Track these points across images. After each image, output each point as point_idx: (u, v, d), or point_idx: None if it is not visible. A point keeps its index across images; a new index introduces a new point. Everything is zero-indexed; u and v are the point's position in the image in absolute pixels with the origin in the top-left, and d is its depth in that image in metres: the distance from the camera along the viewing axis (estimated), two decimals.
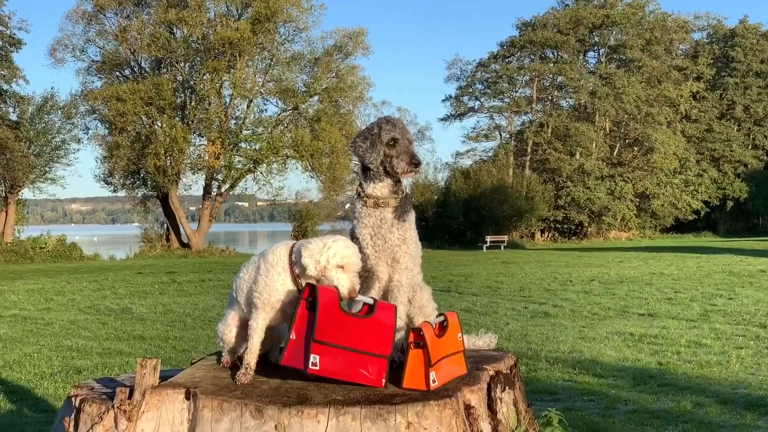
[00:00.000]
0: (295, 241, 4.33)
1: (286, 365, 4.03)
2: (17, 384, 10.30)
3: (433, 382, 4.09)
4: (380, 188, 4.54)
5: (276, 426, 3.72)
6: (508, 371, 4.65)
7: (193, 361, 4.79)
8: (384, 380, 4.09)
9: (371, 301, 4.18)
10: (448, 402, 3.89)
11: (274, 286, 4.19)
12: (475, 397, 4.16)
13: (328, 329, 3.98)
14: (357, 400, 3.86)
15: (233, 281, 4.54)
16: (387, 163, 4.49)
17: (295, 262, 4.18)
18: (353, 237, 4.63)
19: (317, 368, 3.94)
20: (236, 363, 4.43)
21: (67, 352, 12.93)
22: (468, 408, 4.08)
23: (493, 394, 4.38)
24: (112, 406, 3.96)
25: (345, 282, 4.08)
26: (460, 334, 4.48)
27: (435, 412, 3.83)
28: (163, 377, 4.15)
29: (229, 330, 4.52)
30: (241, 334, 4.45)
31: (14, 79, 54.32)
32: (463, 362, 4.44)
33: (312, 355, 3.92)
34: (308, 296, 4.03)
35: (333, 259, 4.08)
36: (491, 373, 4.47)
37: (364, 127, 4.70)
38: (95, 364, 11.56)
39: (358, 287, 4.14)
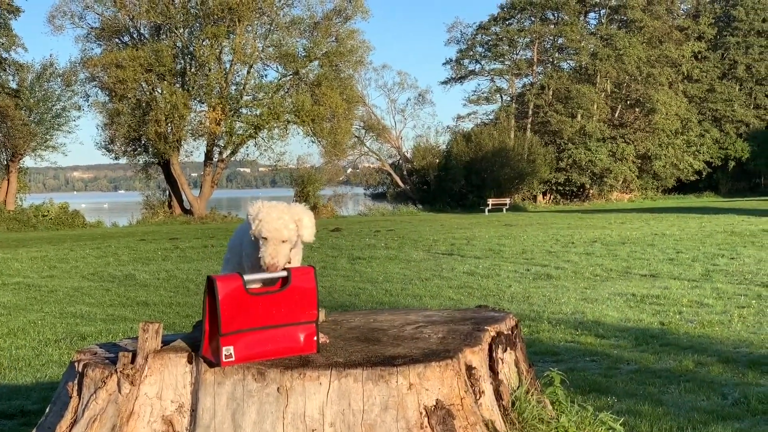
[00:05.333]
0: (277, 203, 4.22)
1: (204, 357, 3.92)
2: (22, 351, 10.36)
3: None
4: None
5: (278, 389, 3.74)
6: (510, 332, 4.66)
7: (195, 325, 4.80)
8: (316, 345, 4.02)
9: (285, 274, 4.00)
10: (449, 363, 3.90)
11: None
12: (476, 357, 4.18)
13: (237, 318, 3.87)
14: (358, 362, 3.87)
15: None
16: None
17: None
18: None
19: (233, 359, 3.84)
20: None
21: (71, 318, 12.99)
22: (469, 368, 4.10)
23: (494, 355, 4.39)
24: (115, 371, 3.97)
25: (264, 256, 3.96)
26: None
27: (437, 373, 3.84)
28: (166, 342, 4.17)
29: None
30: None
31: (13, 47, 54.19)
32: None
33: (224, 348, 3.81)
34: (208, 288, 3.93)
35: (258, 227, 4.00)
36: (492, 333, 4.48)
37: None
38: (99, 330, 11.62)
39: (279, 261, 3.97)
